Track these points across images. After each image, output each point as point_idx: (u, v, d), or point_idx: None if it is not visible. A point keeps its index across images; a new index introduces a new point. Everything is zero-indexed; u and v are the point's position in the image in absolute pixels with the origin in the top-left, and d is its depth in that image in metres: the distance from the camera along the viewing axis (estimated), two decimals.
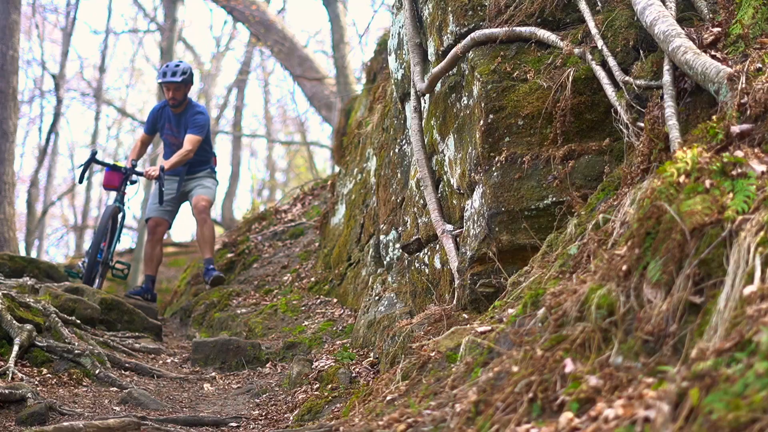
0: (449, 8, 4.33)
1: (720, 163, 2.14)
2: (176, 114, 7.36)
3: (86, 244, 23.00)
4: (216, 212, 24.37)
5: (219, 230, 21.48)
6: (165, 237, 13.41)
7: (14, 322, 4.72)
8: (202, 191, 7.36)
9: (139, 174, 7.14)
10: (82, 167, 7.06)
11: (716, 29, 3.15)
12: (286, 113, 25.55)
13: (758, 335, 1.59)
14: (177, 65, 7.29)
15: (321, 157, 25.17)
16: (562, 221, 3.42)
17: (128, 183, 7.09)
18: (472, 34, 4.04)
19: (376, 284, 5.61)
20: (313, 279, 7.28)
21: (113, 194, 7.22)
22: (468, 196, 4.04)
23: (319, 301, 6.79)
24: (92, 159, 7.01)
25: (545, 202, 3.59)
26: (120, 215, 7.04)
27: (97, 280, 6.95)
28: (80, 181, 7.21)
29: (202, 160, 7.48)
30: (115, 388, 4.63)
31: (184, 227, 50.17)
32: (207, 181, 7.47)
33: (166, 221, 7.39)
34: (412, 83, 4.80)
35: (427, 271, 4.61)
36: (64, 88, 18.57)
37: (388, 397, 2.92)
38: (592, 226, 2.83)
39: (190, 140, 7.16)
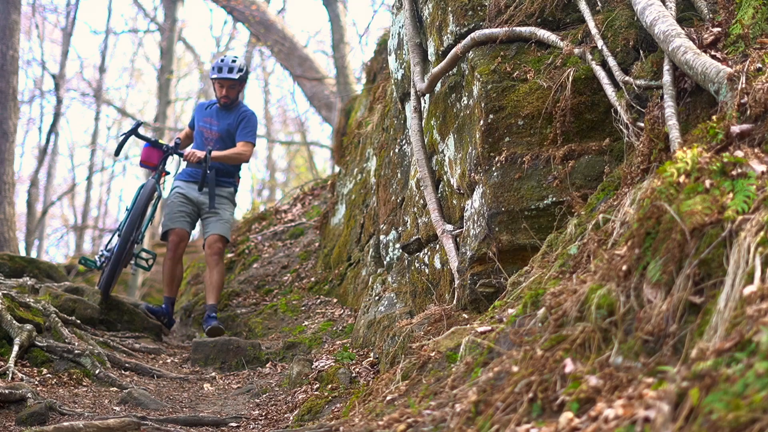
0: (449, 8, 4.33)
1: (720, 163, 2.14)
2: (223, 110, 6.61)
3: (86, 244, 23.01)
4: None
5: None
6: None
7: (14, 322, 4.72)
8: (219, 228, 6.41)
9: (180, 155, 6.35)
10: (122, 137, 6.43)
11: (716, 29, 3.15)
12: (286, 113, 25.56)
13: (758, 335, 1.59)
14: (234, 60, 6.50)
15: (321, 157, 25.18)
16: (562, 221, 3.42)
17: (167, 162, 6.47)
18: (472, 34, 4.04)
19: (376, 284, 5.61)
20: (313, 279, 7.28)
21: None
22: (468, 196, 4.04)
23: (319, 301, 6.79)
24: (134, 131, 6.26)
25: (545, 202, 3.59)
26: (156, 194, 6.39)
27: (131, 263, 6.54)
28: (117, 154, 6.61)
29: (229, 171, 6.61)
30: (115, 388, 4.64)
31: None
32: (227, 209, 6.54)
33: (188, 235, 6.51)
34: (412, 83, 4.80)
35: (427, 271, 4.61)
36: (64, 88, 18.57)
37: (388, 397, 2.92)
38: (592, 226, 2.83)
39: (245, 145, 6.46)
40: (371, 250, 6.16)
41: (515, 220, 3.63)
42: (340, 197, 7.64)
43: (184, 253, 6.48)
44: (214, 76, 6.43)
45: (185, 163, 6.53)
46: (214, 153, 6.26)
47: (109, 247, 6.43)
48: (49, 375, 4.61)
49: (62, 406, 3.92)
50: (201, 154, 6.18)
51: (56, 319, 5.15)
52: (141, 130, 6.36)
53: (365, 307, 5.45)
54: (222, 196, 6.48)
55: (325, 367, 4.88)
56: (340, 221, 7.43)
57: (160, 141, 6.40)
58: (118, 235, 6.25)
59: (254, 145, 6.52)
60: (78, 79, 22.66)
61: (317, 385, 4.61)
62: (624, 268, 2.14)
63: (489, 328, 2.80)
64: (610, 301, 2.09)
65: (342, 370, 4.59)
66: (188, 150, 6.29)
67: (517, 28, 3.91)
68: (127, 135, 6.35)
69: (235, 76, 6.40)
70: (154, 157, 6.37)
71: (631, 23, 3.64)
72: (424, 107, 4.80)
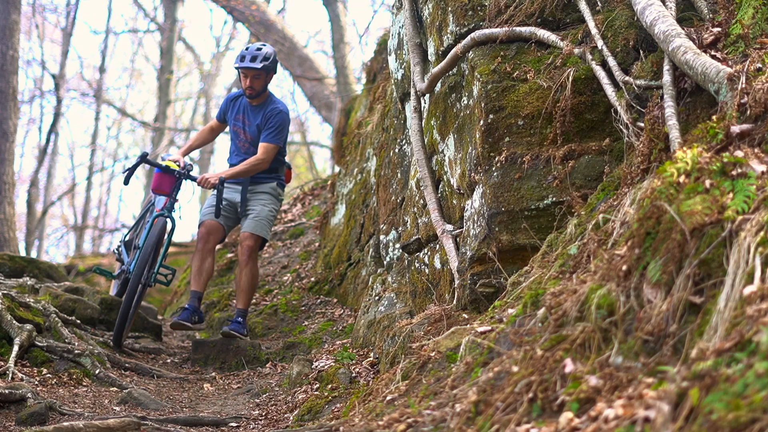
0: (449, 8, 4.33)
1: (720, 163, 2.14)
2: (253, 105, 6.03)
3: (86, 244, 23.00)
4: None
5: None
6: None
7: (14, 322, 4.73)
8: (252, 225, 5.89)
9: (193, 179, 5.82)
10: (130, 168, 5.91)
11: (716, 29, 3.15)
12: None
13: (758, 335, 1.59)
14: (259, 49, 5.93)
15: (321, 157, 25.17)
16: (562, 221, 3.42)
17: (180, 188, 5.89)
18: (472, 34, 4.04)
19: (376, 284, 5.61)
20: (313, 279, 7.28)
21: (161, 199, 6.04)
22: (468, 196, 4.04)
23: (319, 301, 6.79)
24: (142, 161, 5.85)
25: (545, 202, 3.59)
26: (169, 227, 5.85)
27: (134, 302, 5.79)
28: (126, 183, 5.95)
29: (270, 168, 6.02)
30: (115, 388, 4.64)
31: (183, 227, 50.12)
32: (267, 205, 5.98)
33: (222, 229, 5.96)
34: (412, 83, 4.80)
35: (427, 271, 4.61)
36: (64, 88, 18.58)
37: (388, 397, 2.92)
38: (592, 226, 2.83)
39: (265, 149, 5.87)
40: (371, 250, 6.16)
41: (515, 220, 3.63)
42: (340, 197, 7.64)
43: (215, 247, 5.98)
44: (237, 65, 5.90)
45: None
46: (226, 174, 5.82)
47: (125, 259, 6.11)
48: (49, 375, 4.61)
49: (62, 406, 3.92)
50: (214, 178, 5.74)
51: (56, 319, 5.15)
52: (149, 157, 6.01)
53: (365, 307, 5.45)
54: (261, 192, 6.00)
55: (325, 367, 4.88)
56: (340, 221, 7.43)
57: (171, 165, 5.85)
58: (125, 246, 6.04)
59: (279, 146, 5.93)
60: (78, 79, 22.68)
61: (317, 385, 4.61)
62: (624, 268, 2.14)
63: (489, 328, 2.80)
64: (610, 301, 2.09)
65: (342, 370, 4.60)
66: (203, 175, 5.81)
67: (517, 28, 3.91)
68: (134, 166, 5.92)
69: (259, 65, 5.81)
70: (166, 185, 5.87)
71: (631, 23, 3.64)
72: (424, 107, 4.80)
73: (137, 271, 5.55)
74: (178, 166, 5.83)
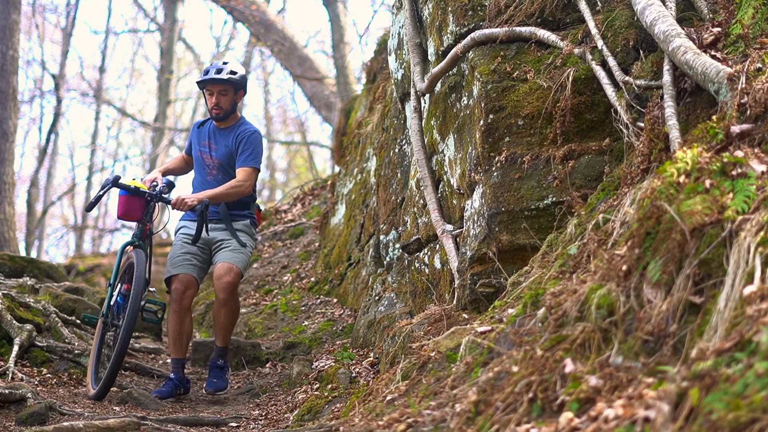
0: (449, 8, 4.33)
1: (720, 163, 2.14)
2: (221, 129, 5.19)
3: (86, 244, 23.00)
4: None
5: None
6: (165, 236, 13.25)
7: (14, 322, 4.73)
8: (230, 256, 4.97)
9: (168, 203, 4.89)
10: (98, 194, 4.94)
11: (716, 29, 3.16)
12: (286, 113, 25.56)
13: (758, 335, 1.59)
14: (225, 63, 5.18)
15: (321, 157, 25.18)
16: (562, 221, 3.42)
17: (153, 213, 5.00)
18: (472, 34, 4.04)
19: (376, 284, 5.61)
20: (313, 279, 7.28)
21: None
22: (468, 196, 4.04)
23: (319, 301, 6.79)
24: (113, 185, 4.87)
25: (545, 202, 3.59)
26: (144, 258, 4.84)
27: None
28: (89, 210, 5.05)
29: (244, 202, 5.18)
30: (115, 388, 4.63)
31: None
32: (241, 239, 5.06)
33: (196, 283, 5.02)
34: (412, 83, 4.80)
35: (427, 271, 4.61)
36: (64, 88, 18.59)
37: (388, 397, 2.92)
38: (592, 226, 2.83)
39: (245, 173, 5.03)
40: (371, 250, 6.16)
41: (515, 220, 3.64)
42: (340, 197, 7.64)
43: (191, 304, 5.05)
44: (201, 79, 5.11)
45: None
46: (210, 194, 4.91)
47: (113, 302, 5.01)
48: (49, 375, 4.62)
49: (62, 406, 3.92)
50: (192, 200, 4.82)
51: (56, 319, 5.15)
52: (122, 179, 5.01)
53: (365, 307, 5.45)
54: (240, 230, 5.11)
55: (325, 367, 4.88)
56: (340, 221, 7.43)
57: (140, 186, 4.92)
58: (111, 288, 4.96)
59: (258, 170, 5.11)
60: (78, 79, 22.67)
61: (317, 385, 4.61)
62: (624, 268, 2.14)
63: (489, 328, 2.80)
64: (610, 301, 2.09)
65: (342, 370, 4.60)
66: (176, 196, 4.88)
67: (517, 28, 3.91)
68: (102, 192, 4.90)
69: (224, 76, 5.01)
70: (136, 209, 4.93)
71: (631, 23, 3.65)
72: (424, 107, 4.80)
73: (125, 333, 4.55)
74: (153, 187, 4.96)
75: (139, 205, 4.95)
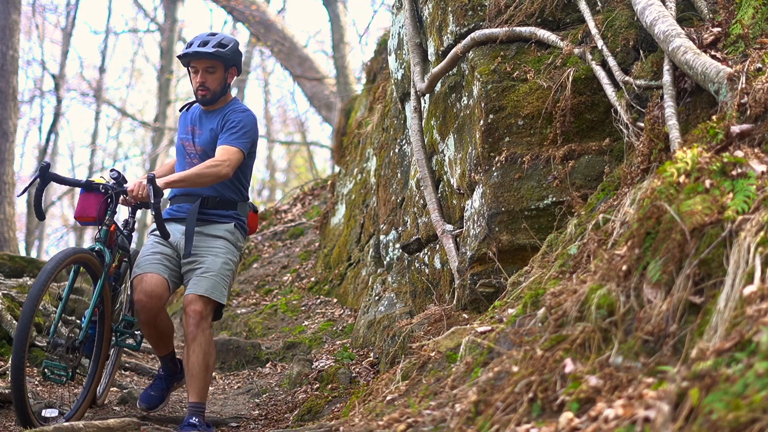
0: (449, 8, 4.34)
1: (720, 163, 2.14)
2: (207, 112, 4.24)
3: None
4: None
5: None
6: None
7: (14, 321, 4.72)
8: (202, 285, 3.94)
9: (124, 193, 3.90)
10: (33, 193, 4.02)
11: (716, 29, 3.16)
12: (286, 113, 25.57)
13: (758, 335, 1.59)
14: (213, 34, 4.25)
15: (321, 157, 25.19)
16: (562, 221, 3.42)
17: (115, 209, 3.93)
18: (472, 34, 4.04)
19: (376, 284, 5.61)
20: (313, 279, 7.28)
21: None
22: (468, 196, 4.04)
23: (319, 301, 6.79)
24: (42, 174, 3.80)
25: (545, 202, 3.59)
26: (107, 262, 3.86)
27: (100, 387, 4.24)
28: (40, 217, 4.11)
29: (228, 200, 4.17)
30: (115, 388, 4.63)
31: None
32: (221, 255, 4.03)
33: (164, 282, 3.97)
34: (412, 83, 4.80)
35: (427, 271, 4.61)
36: (64, 88, 18.59)
37: (388, 397, 2.92)
38: (592, 226, 2.83)
39: (225, 151, 4.02)
40: (371, 250, 6.16)
41: (515, 220, 3.64)
42: (340, 197, 7.64)
43: (165, 306, 4.03)
44: (182, 53, 4.18)
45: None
46: (164, 182, 3.86)
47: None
48: None
49: (62, 406, 3.92)
50: (141, 191, 3.82)
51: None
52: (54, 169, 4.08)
53: (365, 307, 5.45)
54: (213, 236, 4.07)
55: (325, 367, 4.88)
56: (340, 221, 7.43)
57: (96, 180, 4.00)
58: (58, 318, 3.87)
59: (242, 152, 4.05)
60: (78, 79, 22.68)
61: (317, 385, 4.61)
62: (624, 268, 2.14)
63: (489, 328, 2.80)
64: (610, 301, 2.09)
65: (342, 370, 4.60)
66: (132, 183, 3.88)
67: (517, 28, 3.91)
68: (28, 186, 4.08)
69: (210, 50, 4.09)
70: (92, 206, 3.94)
71: (631, 23, 3.65)
72: (424, 107, 4.80)
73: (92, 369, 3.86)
74: (115, 179, 3.97)
75: (94, 201, 3.95)
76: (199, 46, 4.11)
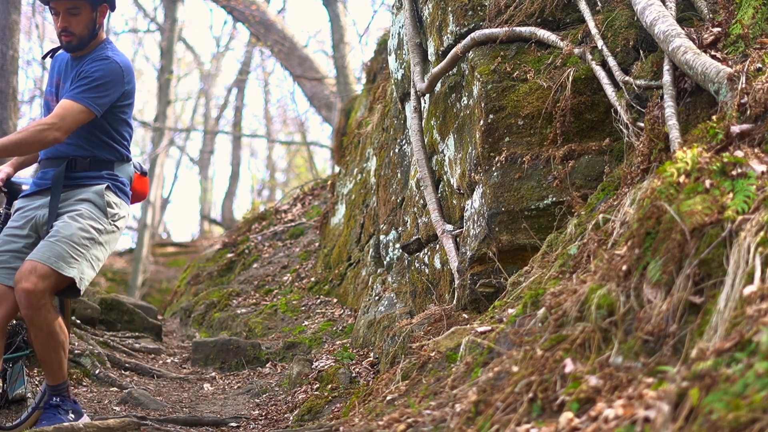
0: (449, 8, 4.34)
1: (720, 163, 2.14)
2: (75, 59, 3.63)
3: None
4: (216, 212, 24.36)
5: (218, 230, 21.42)
6: (165, 236, 13.17)
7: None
8: (46, 251, 3.31)
9: None
10: None
11: (716, 29, 3.15)
12: (286, 113, 25.57)
13: (758, 335, 1.59)
14: None
15: (321, 157, 25.20)
16: (562, 221, 3.42)
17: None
18: (472, 34, 4.04)
19: (376, 284, 5.61)
20: (313, 279, 7.28)
21: None
22: (468, 196, 4.04)
23: (319, 301, 6.79)
24: None
25: (545, 202, 3.59)
26: None
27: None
28: None
29: (102, 160, 3.58)
30: (115, 388, 4.64)
31: (184, 225, 50.10)
32: (79, 219, 3.42)
33: (10, 293, 3.30)
34: (412, 83, 4.80)
35: (427, 271, 4.61)
36: None
37: (388, 397, 2.92)
38: (592, 226, 2.83)
39: (62, 109, 3.40)
40: (371, 250, 6.16)
41: (515, 220, 3.64)
42: (340, 197, 7.64)
43: (6, 325, 3.33)
44: None
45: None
46: None
47: None
48: None
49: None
50: None
51: None
52: None
53: (365, 307, 5.45)
54: (78, 199, 3.48)
55: (325, 367, 4.88)
56: (340, 221, 7.43)
57: None
58: None
59: (87, 109, 3.41)
60: None
61: (317, 385, 4.61)
62: (624, 268, 2.14)
63: (489, 328, 2.80)
64: (610, 301, 2.09)
65: (342, 370, 4.60)
66: None
67: (517, 28, 3.91)
68: None
69: None
70: None
71: (631, 23, 3.65)
72: (424, 107, 4.80)
73: None
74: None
75: None
76: None
